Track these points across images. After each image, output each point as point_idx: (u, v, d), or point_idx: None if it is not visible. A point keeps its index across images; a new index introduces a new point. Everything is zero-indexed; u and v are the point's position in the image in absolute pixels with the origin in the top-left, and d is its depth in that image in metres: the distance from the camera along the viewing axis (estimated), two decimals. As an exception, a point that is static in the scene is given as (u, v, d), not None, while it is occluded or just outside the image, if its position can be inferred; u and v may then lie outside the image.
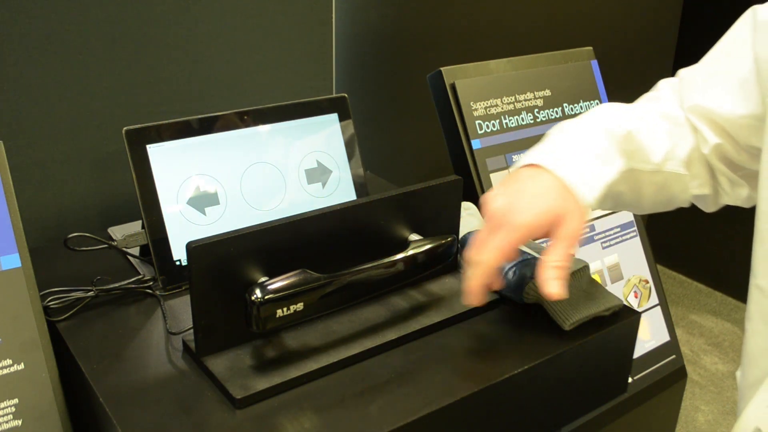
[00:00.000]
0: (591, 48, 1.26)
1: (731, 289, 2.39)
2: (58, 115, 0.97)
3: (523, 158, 0.67)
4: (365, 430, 0.58)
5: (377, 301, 0.74)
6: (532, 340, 0.70)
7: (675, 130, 0.70)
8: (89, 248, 0.80)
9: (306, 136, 0.90)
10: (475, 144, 1.08)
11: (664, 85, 0.76)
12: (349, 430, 0.58)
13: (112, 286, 0.78)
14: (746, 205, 0.72)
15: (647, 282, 1.30)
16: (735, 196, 0.72)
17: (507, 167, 1.11)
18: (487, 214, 0.64)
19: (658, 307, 1.32)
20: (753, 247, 0.64)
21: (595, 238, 1.22)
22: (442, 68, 1.08)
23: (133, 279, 0.79)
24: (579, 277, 0.76)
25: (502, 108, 1.12)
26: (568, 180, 0.62)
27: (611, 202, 0.73)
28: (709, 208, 0.75)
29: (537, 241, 0.77)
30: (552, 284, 0.60)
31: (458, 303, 0.75)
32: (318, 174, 0.90)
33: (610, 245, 1.25)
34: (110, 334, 0.71)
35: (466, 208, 0.92)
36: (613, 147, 0.66)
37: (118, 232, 0.94)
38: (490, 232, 0.62)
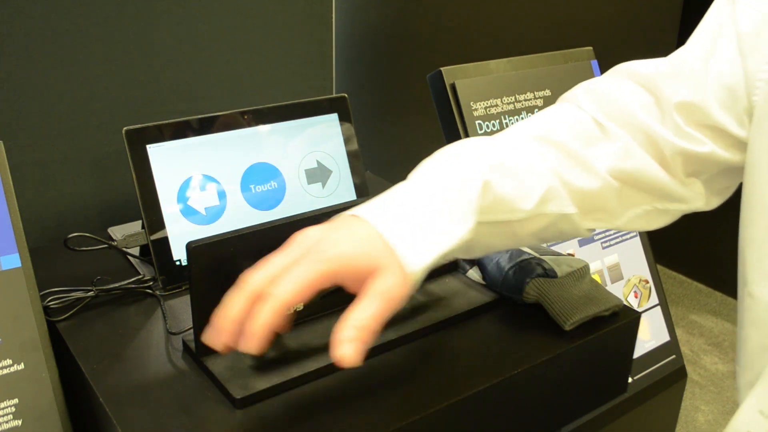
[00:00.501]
0: (591, 48, 1.26)
1: (731, 289, 2.39)
2: (58, 115, 0.97)
3: (352, 209, 0.56)
4: (365, 430, 0.58)
5: (377, 301, 0.74)
6: (532, 340, 0.70)
7: (566, 159, 0.61)
8: (89, 248, 0.80)
9: (306, 136, 0.90)
10: (475, 144, 1.08)
11: (580, 93, 0.68)
12: (349, 430, 0.58)
13: (112, 286, 0.78)
14: (705, 207, 0.65)
15: (647, 282, 1.30)
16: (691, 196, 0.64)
17: (507, 167, 1.11)
18: (294, 241, 0.53)
19: (658, 307, 1.32)
20: (740, 254, 0.60)
21: (595, 238, 1.22)
22: (442, 68, 1.08)
23: (133, 279, 0.79)
24: (579, 277, 0.76)
25: (502, 108, 1.12)
26: (392, 241, 0.52)
27: (480, 251, 0.63)
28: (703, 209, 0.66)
29: (506, 252, 0.75)
30: (345, 347, 0.48)
31: (458, 303, 0.75)
32: (318, 174, 0.90)
33: (610, 245, 1.25)
34: (110, 334, 0.71)
35: (466, 208, 0.92)
36: (463, 204, 0.55)
37: (118, 232, 0.94)
38: (293, 261, 0.51)
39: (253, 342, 0.50)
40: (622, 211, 0.64)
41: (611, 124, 0.63)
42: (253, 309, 0.50)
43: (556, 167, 0.61)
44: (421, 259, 0.52)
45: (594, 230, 0.66)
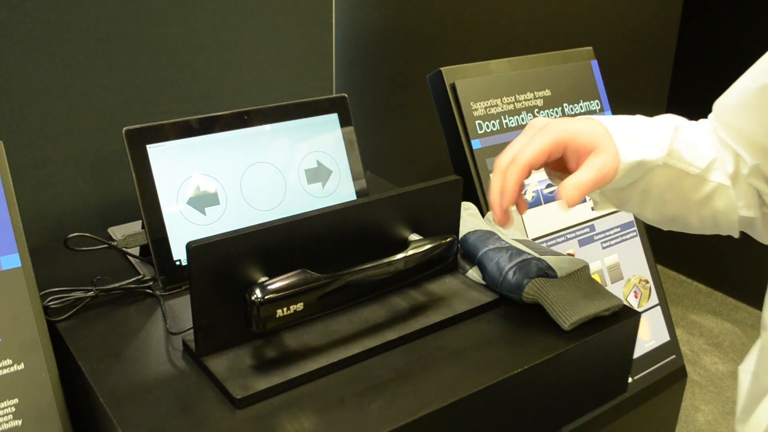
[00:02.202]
0: (591, 48, 1.26)
1: (731, 289, 2.39)
2: (58, 115, 0.97)
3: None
4: (365, 430, 0.58)
5: (377, 301, 0.74)
6: (532, 340, 0.70)
7: (720, 146, 0.68)
8: (89, 248, 0.80)
9: (306, 136, 0.90)
10: (475, 144, 1.08)
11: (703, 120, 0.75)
12: (349, 430, 0.58)
13: (112, 286, 0.78)
14: None
15: (647, 282, 1.30)
16: None
17: (507, 167, 1.11)
18: (530, 124, 0.65)
19: (658, 307, 1.32)
20: None
21: (595, 238, 1.22)
22: (442, 68, 1.08)
23: (133, 279, 0.79)
24: (579, 277, 0.76)
25: (502, 108, 1.12)
26: (614, 133, 0.63)
27: (653, 205, 0.69)
28: (762, 237, 0.70)
29: (537, 241, 0.77)
30: (569, 191, 0.60)
31: (458, 303, 0.75)
32: (318, 174, 0.90)
33: (610, 245, 1.25)
34: (110, 334, 0.71)
35: (466, 208, 0.92)
36: (663, 137, 0.66)
37: (118, 232, 0.94)
38: (530, 137, 0.62)
39: (507, 198, 0.63)
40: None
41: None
42: (506, 173, 0.63)
43: (717, 149, 0.68)
44: (631, 154, 0.62)
45: (740, 226, 0.70)
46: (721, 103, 0.69)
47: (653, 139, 0.65)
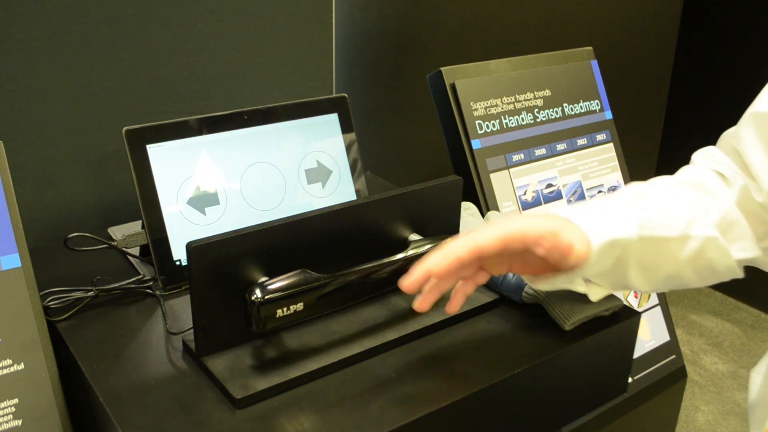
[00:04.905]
0: (591, 48, 1.26)
1: (731, 289, 2.39)
2: (58, 115, 0.97)
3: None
4: (365, 430, 0.58)
5: (377, 301, 0.74)
6: (532, 340, 0.70)
7: (701, 196, 0.66)
8: (89, 248, 0.80)
9: (306, 136, 0.90)
10: (475, 144, 1.08)
11: (695, 156, 0.72)
12: (349, 430, 0.58)
13: (112, 286, 0.78)
14: None
15: (647, 282, 1.30)
16: None
17: (507, 167, 1.11)
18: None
19: (658, 307, 1.32)
20: None
21: (595, 238, 1.22)
22: (442, 68, 1.08)
23: (133, 279, 0.79)
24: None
25: (502, 108, 1.12)
26: (578, 220, 0.60)
27: (644, 277, 0.66)
28: None
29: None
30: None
31: (458, 303, 0.75)
32: (318, 174, 0.90)
33: (610, 245, 1.25)
34: (110, 334, 0.71)
35: (466, 208, 0.92)
36: (628, 213, 0.63)
37: (118, 232, 0.94)
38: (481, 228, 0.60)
39: (435, 265, 0.58)
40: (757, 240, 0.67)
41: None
42: (447, 246, 0.59)
43: (694, 200, 0.66)
44: (599, 236, 0.59)
45: (742, 265, 0.67)
46: (759, 120, 0.66)
47: (620, 215, 0.63)
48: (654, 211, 0.64)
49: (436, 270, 0.58)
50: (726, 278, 0.67)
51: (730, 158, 0.68)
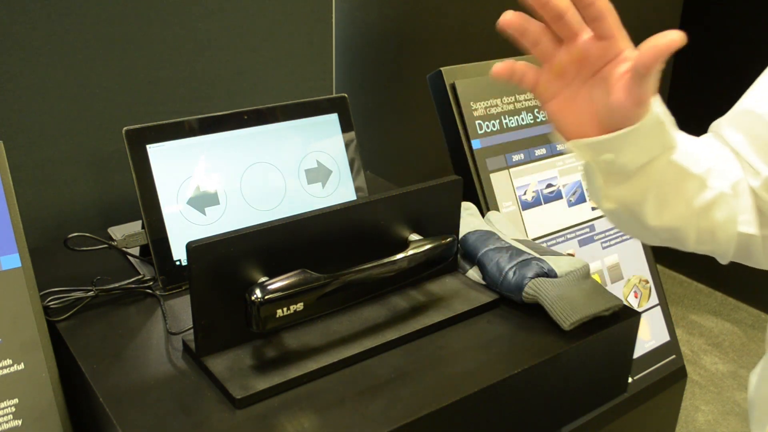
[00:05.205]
0: (591, 48, 1.26)
1: (731, 289, 2.39)
2: (58, 115, 0.97)
3: None
4: (365, 430, 0.58)
5: (377, 301, 0.74)
6: (532, 340, 0.70)
7: (722, 154, 0.65)
8: (89, 248, 0.80)
9: (306, 136, 0.90)
10: (475, 144, 1.08)
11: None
12: (349, 430, 0.58)
13: (112, 286, 0.78)
14: None
15: (647, 282, 1.30)
16: None
17: (507, 167, 1.11)
18: None
19: (658, 307, 1.32)
20: None
21: (595, 238, 1.22)
22: (442, 68, 1.08)
23: (133, 279, 0.79)
24: (579, 277, 0.76)
25: (502, 108, 1.12)
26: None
27: (656, 205, 0.63)
28: (760, 261, 0.66)
29: (537, 241, 0.76)
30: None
31: (458, 303, 0.75)
32: (318, 174, 0.90)
33: (610, 245, 1.25)
34: (110, 334, 0.71)
35: (466, 208, 0.92)
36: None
37: (118, 232, 0.94)
38: None
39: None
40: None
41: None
42: None
43: (717, 155, 0.65)
44: (658, 110, 0.57)
45: (734, 246, 0.65)
46: (739, 109, 0.66)
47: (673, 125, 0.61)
48: (686, 143, 0.62)
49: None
50: (718, 250, 0.65)
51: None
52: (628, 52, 0.56)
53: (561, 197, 1.17)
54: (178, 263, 0.79)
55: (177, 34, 1.04)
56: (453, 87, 1.08)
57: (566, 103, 0.60)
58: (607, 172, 0.61)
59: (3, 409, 0.65)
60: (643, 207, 0.63)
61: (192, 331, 0.65)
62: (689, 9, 2.22)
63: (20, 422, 0.66)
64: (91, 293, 0.76)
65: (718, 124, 0.68)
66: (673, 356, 1.32)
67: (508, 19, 0.59)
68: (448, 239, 0.73)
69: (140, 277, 0.79)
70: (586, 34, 0.57)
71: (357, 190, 0.93)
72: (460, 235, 0.82)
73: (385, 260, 0.68)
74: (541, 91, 0.61)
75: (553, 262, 0.76)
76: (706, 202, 0.63)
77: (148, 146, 0.78)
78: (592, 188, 0.64)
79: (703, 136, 0.70)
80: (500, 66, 0.60)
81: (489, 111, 1.11)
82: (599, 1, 0.54)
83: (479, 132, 1.09)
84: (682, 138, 0.64)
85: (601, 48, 0.56)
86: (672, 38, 0.52)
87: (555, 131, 0.62)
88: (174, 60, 1.05)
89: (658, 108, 0.57)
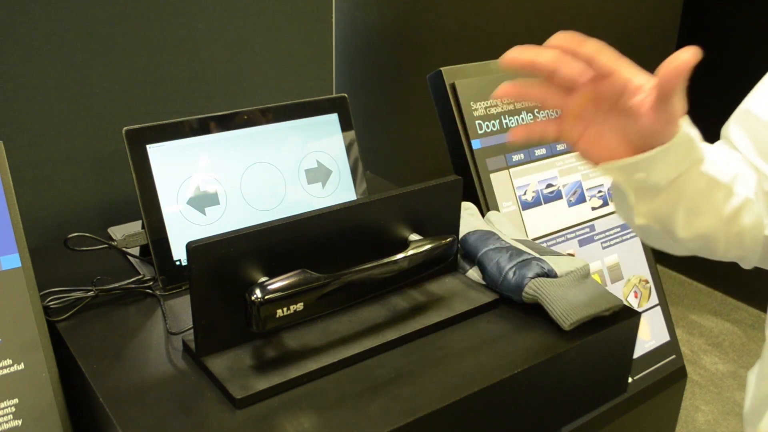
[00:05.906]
0: (591, 48, 1.26)
1: (731, 289, 2.39)
2: (58, 115, 0.97)
3: None
4: (365, 430, 0.58)
5: (377, 301, 0.74)
6: (532, 340, 0.70)
7: (739, 159, 0.66)
8: (89, 248, 0.80)
9: (306, 136, 0.90)
10: (475, 144, 1.08)
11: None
12: (349, 430, 0.58)
13: (112, 286, 0.78)
14: None
15: (647, 282, 1.30)
16: None
17: (507, 167, 1.11)
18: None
19: (658, 307, 1.32)
20: None
21: (595, 238, 1.22)
22: (442, 68, 1.08)
23: (133, 279, 0.79)
24: (579, 277, 0.76)
25: (502, 108, 1.12)
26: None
27: (686, 216, 0.63)
28: None
29: (537, 241, 0.76)
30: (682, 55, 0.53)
31: (458, 303, 0.75)
32: (318, 174, 0.90)
33: (610, 245, 1.25)
34: (110, 334, 0.71)
35: (466, 208, 0.92)
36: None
37: (118, 232, 0.94)
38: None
39: (536, 52, 0.57)
40: None
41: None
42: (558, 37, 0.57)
43: (738, 160, 0.66)
44: (688, 129, 0.58)
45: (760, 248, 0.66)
46: (747, 117, 0.67)
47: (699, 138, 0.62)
48: (711, 153, 0.62)
49: (531, 56, 0.58)
50: (746, 257, 0.66)
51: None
52: (637, 79, 0.57)
53: (561, 197, 1.17)
54: (178, 263, 0.79)
55: (177, 34, 1.04)
56: (453, 87, 1.08)
57: (594, 139, 0.61)
58: (637, 189, 0.62)
59: (3, 409, 0.65)
60: (674, 219, 0.63)
61: (192, 331, 0.65)
62: (689, 9, 2.22)
63: (20, 422, 0.66)
64: (91, 293, 0.76)
65: (726, 128, 0.68)
66: (673, 356, 1.32)
67: (506, 91, 0.61)
68: (448, 239, 0.73)
69: (140, 277, 0.79)
70: (587, 76, 0.57)
71: (357, 190, 0.93)
72: (460, 235, 0.82)
73: (385, 260, 0.68)
74: (566, 137, 0.62)
75: (553, 262, 0.76)
76: (734, 209, 0.63)
77: (148, 146, 0.78)
78: (623, 206, 0.64)
79: (718, 143, 0.70)
80: (517, 131, 0.61)
81: (489, 111, 1.11)
82: (585, 46, 0.55)
83: (479, 132, 1.09)
84: (707, 148, 0.64)
85: (606, 85, 0.57)
86: (687, 57, 0.53)
87: (582, 157, 0.63)
88: (174, 60, 1.05)
89: (686, 124, 0.58)
